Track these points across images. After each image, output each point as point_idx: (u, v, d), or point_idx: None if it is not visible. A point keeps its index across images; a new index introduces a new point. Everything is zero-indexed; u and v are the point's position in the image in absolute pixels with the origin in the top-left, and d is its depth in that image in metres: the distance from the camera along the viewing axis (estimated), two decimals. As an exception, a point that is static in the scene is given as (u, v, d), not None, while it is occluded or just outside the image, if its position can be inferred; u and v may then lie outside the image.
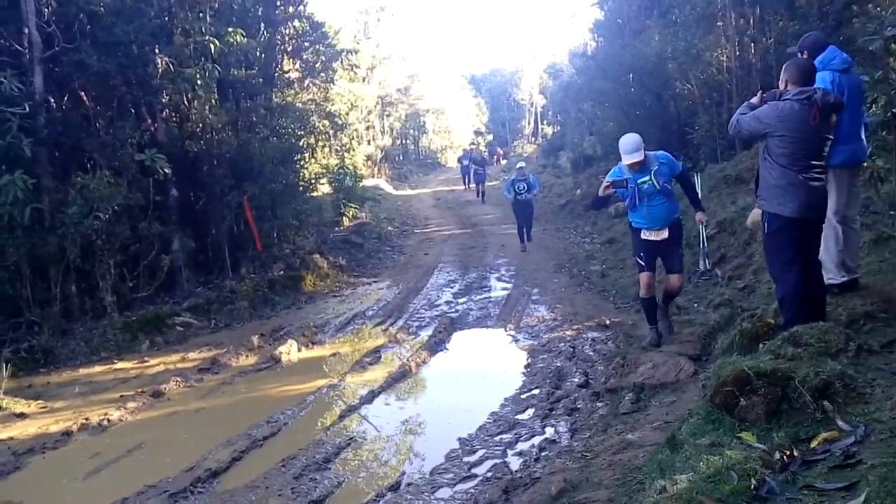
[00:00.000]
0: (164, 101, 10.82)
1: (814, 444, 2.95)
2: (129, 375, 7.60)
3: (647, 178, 5.79)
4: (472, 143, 49.93)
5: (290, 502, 4.28)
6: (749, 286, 6.73)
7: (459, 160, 29.61)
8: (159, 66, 10.38)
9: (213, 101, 11.22)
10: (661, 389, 5.08)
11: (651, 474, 3.28)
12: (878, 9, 9.04)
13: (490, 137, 54.83)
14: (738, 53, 13.24)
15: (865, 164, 5.94)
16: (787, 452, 2.89)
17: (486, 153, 50.34)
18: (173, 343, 8.80)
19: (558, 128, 35.73)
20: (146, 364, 7.99)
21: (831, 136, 4.08)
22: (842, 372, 3.31)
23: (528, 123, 51.35)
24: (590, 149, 23.01)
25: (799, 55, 5.07)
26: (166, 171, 9.96)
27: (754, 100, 4.32)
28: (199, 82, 10.71)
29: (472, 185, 25.15)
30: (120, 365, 8.04)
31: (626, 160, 5.82)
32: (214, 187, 11.27)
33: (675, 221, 5.97)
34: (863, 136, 4.77)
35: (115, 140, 9.62)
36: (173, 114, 11.23)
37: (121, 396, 6.73)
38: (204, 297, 10.25)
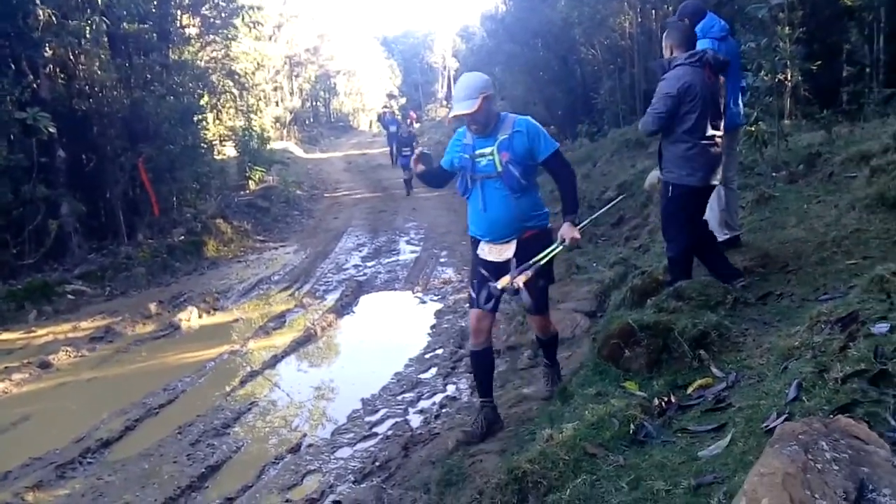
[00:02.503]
0: (46, 55, 10.07)
1: (690, 390, 3.13)
2: (15, 346, 7.17)
3: (488, 150, 3.64)
4: (386, 106, 49.30)
5: (185, 469, 4.19)
6: (644, 245, 7.01)
7: (384, 123, 24.22)
8: (41, 17, 9.63)
9: (102, 56, 10.55)
10: (558, 345, 5.24)
11: (542, 425, 3.39)
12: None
13: (403, 100, 54.29)
14: (639, 20, 13.57)
15: (749, 128, 6.27)
16: (665, 399, 3.05)
17: (399, 116, 49.86)
18: (64, 312, 8.35)
19: (470, 92, 35.62)
20: (34, 334, 7.56)
21: (723, 98, 4.20)
22: (718, 323, 3.51)
23: (441, 87, 51.17)
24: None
25: (679, 22, 5.26)
26: (51, 130, 9.32)
27: None
28: (86, 36, 10.04)
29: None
30: (4, 336, 7.57)
31: (455, 110, 3.70)
32: (106, 148, 10.67)
33: (533, 233, 3.71)
34: (740, 102, 4.98)
35: (-9, 97, 8.91)
36: (58, 70, 10.47)
37: (5, 368, 6.35)
38: (97, 263, 9.76)
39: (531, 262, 3.60)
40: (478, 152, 3.69)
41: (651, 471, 2.48)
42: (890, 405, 2.15)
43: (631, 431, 2.81)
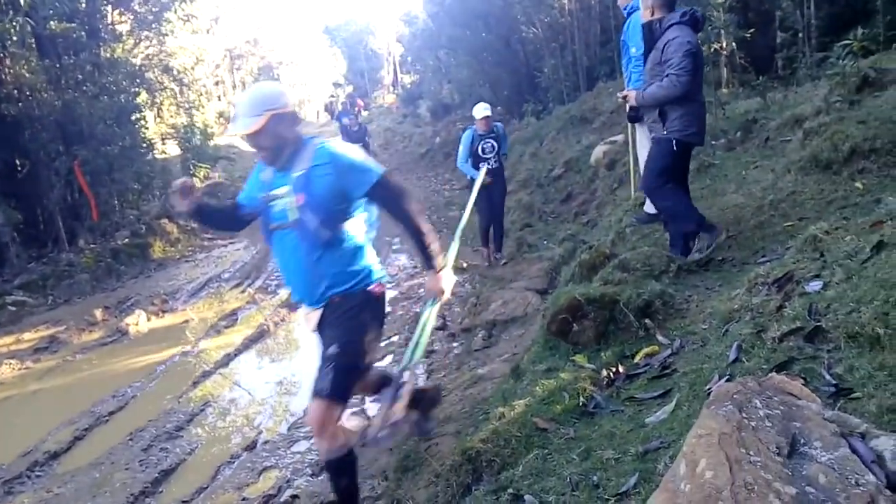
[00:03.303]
0: (-31, 59, 9.66)
1: (637, 359, 3.17)
2: (-46, 363, 6.89)
3: (283, 190, 2.75)
4: (332, 96, 48.66)
5: (137, 475, 4.08)
6: (592, 220, 7.09)
7: (334, 115, 19.56)
8: (-42, 20, 9.21)
9: (29, 58, 10.14)
10: (511, 324, 5.28)
11: (495, 404, 3.40)
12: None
13: (350, 88, 53.63)
14: (578, -3, 13.64)
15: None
16: (614, 369, 3.09)
17: (345, 105, 49.25)
18: (5, 324, 8.05)
19: (417, 77, 35.56)
20: (-27, 350, 7.27)
21: None
22: (662, 291, 3.56)
23: (388, 73, 50.71)
24: (447, 97, 23.15)
25: None
26: (-22, 136, 8.95)
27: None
28: (11, 38, 9.61)
29: None
30: (-57, 352, 7.27)
31: (230, 129, 2.98)
32: (39, 153, 10.29)
33: (340, 296, 2.82)
34: None
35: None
36: (-17, 73, 10.05)
37: (-56, 386, 6.10)
38: (38, 272, 9.43)
39: (412, 357, 3.02)
40: (272, 193, 2.77)
41: (601, 441, 2.51)
42: (825, 360, 2.21)
43: (581, 404, 2.84)
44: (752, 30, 8.53)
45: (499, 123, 7.51)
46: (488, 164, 7.09)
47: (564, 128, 11.44)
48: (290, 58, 42.86)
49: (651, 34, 4.09)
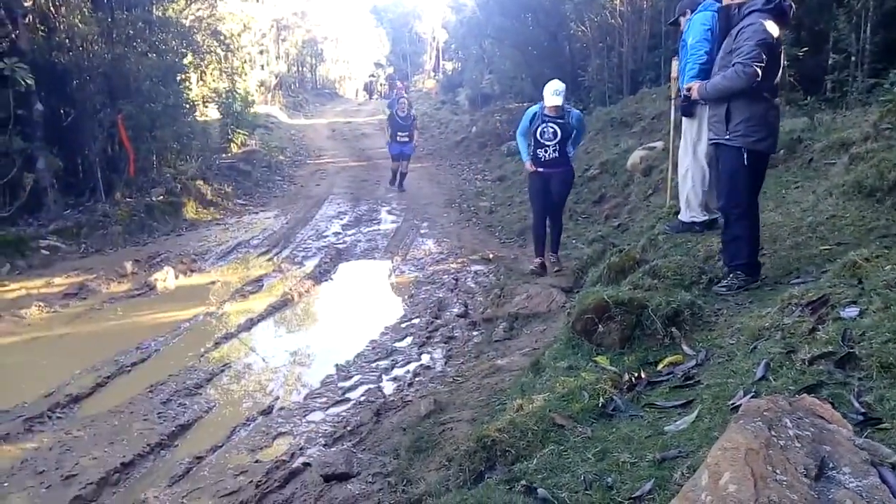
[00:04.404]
0: (26, 5, 9.78)
1: (660, 366, 3.17)
2: (-14, 300, 7.07)
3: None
4: (372, 76, 48.73)
5: (155, 427, 4.17)
6: (623, 224, 7.05)
7: (389, 106, 14.48)
8: (20, -34, 9.34)
9: (84, 9, 10.26)
10: (534, 319, 5.28)
11: (513, 395, 3.42)
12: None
13: (391, 70, 53.64)
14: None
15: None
16: (636, 374, 3.09)
17: (384, 87, 49.32)
18: (37, 267, 8.22)
19: (459, 64, 35.43)
20: (5, 288, 7.42)
21: None
22: (691, 302, 3.54)
23: (430, 58, 50.57)
24: (488, 87, 23.03)
25: (682, 19, 5.24)
26: (29, 82, 9.07)
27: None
28: (68, -12, 9.75)
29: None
30: (-24, 289, 7.46)
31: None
32: (86, 104, 10.41)
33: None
34: None
35: (-34, 44, 8.66)
36: (38, 21, 10.17)
37: (-26, 322, 6.26)
38: (73, 220, 9.58)
39: None
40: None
41: (618, 443, 2.52)
42: (854, 387, 2.19)
43: (600, 405, 2.84)
44: (805, 49, 8.39)
45: (575, 111, 6.57)
46: (545, 152, 6.35)
47: (604, 129, 11.36)
48: (336, 34, 42.85)
49: (728, 21, 3.74)
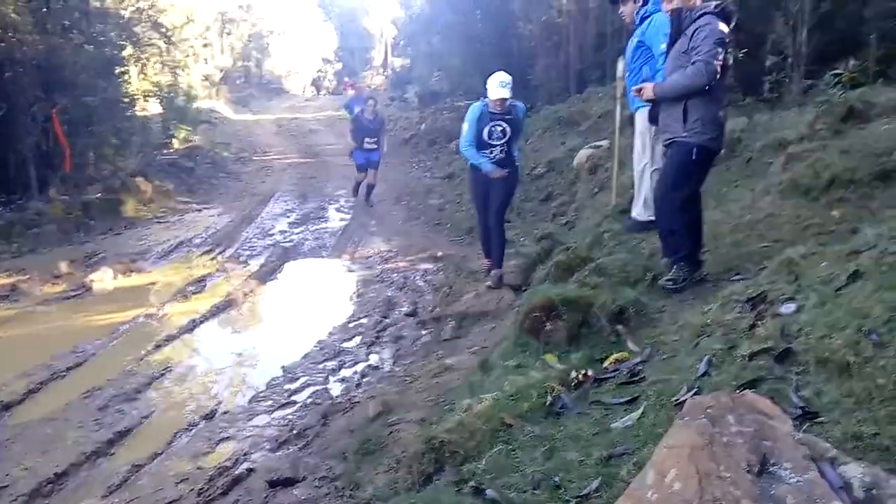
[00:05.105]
0: (-47, -7, 9.33)
1: (606, 363, 3.20)
2: None
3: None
4: (320, 71, 48.12)
5: (91, 434, 4.01)
6: (570, 222, 7.12)
7: (346, 107, 12.84)
8: (-55, -50, 8.88)
9: (17, -2, 9.82)
10: (483, 317, 5.29)
11: (462, 395, 3.41)
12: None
13: (339, 66, 53.12)
14: (577, -2, 13.64)
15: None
16: (583, 372, 3.10)
17: (333, 83, 48.78)
18: (-35, 269, 7.84)
19: (408, 61, 35.31)
20: (-71, 291, 7.06)
21: None
22: (636, 299, 3.59)
23: (379, 54, 50.28)
24: (437, 84, 23.01)
25: (625, 5, 5.30)
26: (-45, 73, 8.66)
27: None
28: (0, -24, 9.31)
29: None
30: None
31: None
32: (18, 97, 9.97)
33: None
34: None
35: None
36: (-33, 10, 9.71)
37: None
38: (5, 218, 9.17)
39: None
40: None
41: (565, 441, 2.52)
42: (793, 382, 2.25)
43: (548, 403, 2.85)
44: (744, 50, 8.61)
45: (519, 104, 5.99)
46: (492, 153, 5.77)
47: (551, 128, 11.46)
48: (282, 28, 42.18)
49: (679, 23, 3.80)
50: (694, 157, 3.77)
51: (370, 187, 11.24)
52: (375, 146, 10.94)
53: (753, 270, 3.81)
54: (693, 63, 3.63)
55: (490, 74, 5.78)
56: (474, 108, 5.79)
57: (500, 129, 5.72)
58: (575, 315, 3.49)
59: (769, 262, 3.55)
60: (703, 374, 2.58)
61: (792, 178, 4.86)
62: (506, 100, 5.61)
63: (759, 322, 2.74)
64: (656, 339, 3.26)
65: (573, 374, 3.09)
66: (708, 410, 1.74)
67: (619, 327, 3.42)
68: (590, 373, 3.08)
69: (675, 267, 3.89)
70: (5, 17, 9.65)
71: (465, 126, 5.82)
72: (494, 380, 3.36)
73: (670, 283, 3.85)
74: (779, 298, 2.85)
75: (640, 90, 4.10)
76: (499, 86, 5.58)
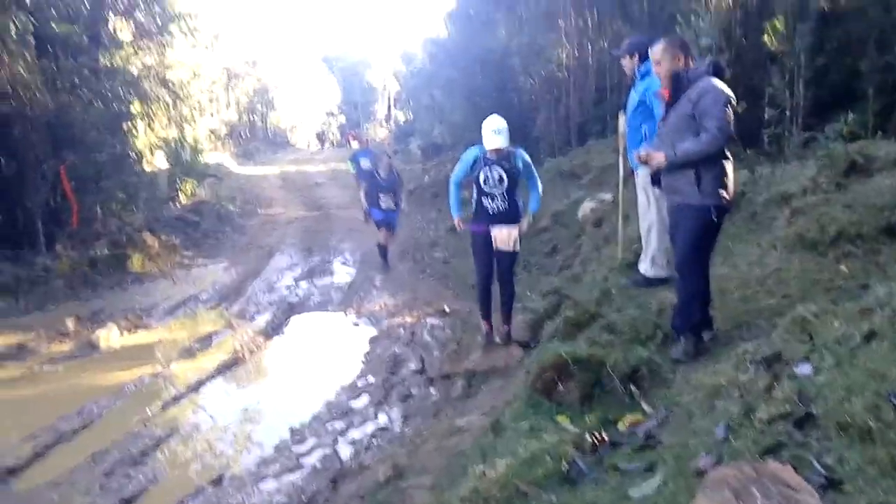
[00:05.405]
0: (-34, 52, 9.57)
1: (621, 426, 3.16)
2: (-86, 363, 6.67)
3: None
4: (324, 124, 48.84)
5: (97, 500, 3.95)
6: (576, 276, 7.11)
7: (355, 160, 12.52)
8: (-40, 13, 9.16)
9: (27, 56, 10.07)
10: (492, 375, 5.24)
11: (474, 459, 3.36)
12: (700, 20, 9.93)
13: (342, 119, 54.01)
14: (576, 54, 13.94)
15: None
16: (597, 435, 3.07)
17: (336, 135, 49.41)
18: (-29, 327, 7.84)
19: (410, 114, 35.89)
20: (-65, 351, 7.05)
21: None
22: (649, 358, 3.58)
23: (381, 107, 51.16)
24: (439, 137, 23.36)
25: (627, 57, 5.40)
26: (-34, 132, 8.82)
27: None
28: (11, 35, 9.57)
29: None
30: None
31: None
32: (28, 153, 10.15)
33: None
34: None
35: None
36: (-22, 69, 9.94)
37: None
38: (11, 274, 9.21)
39: None
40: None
41: (583, 510, 2.48)
42: (814, 448, 2.22)
43: (564, 469, 2.81)
44: (741, 103, 8.75)
45: (520, 150, 5.62)
46: (492, 202, 5.48)
47: (553, 180, 11.55)
48: (287, 82, 43.11)
49: (677, 84, 3.77)
50: (713, 219, 3.71)
51: (383, 248, 10.34)
52: (393, 204, 10.16)
53: (765, 327, 3.80)
54: (706, 129, 3.59)
55: (487, 121, 5.58)
56: (470, 151, 5.64)
57: (496, 174, 5.44)
58: (587, 375, 3.47)
59: (780, 320, 3.54)
60: (722, 439, 2.55)
61: (798, 232, 4.89)
62: (500, 150, 5.40)
63: (776, 384, 2.72)
64: (671, 399, 3.24)
65: (588, 437, 3.06)
66: (731, 482, 1.72)
67: (633, 387, 3.40)
68: (605, 436, 3.04)
69: (682, 339, 3.80)
70: (16, 76, 9.88)
71: (458, 166, 5.71)
72: (507, 443, 3.32)
73: (681, 355, 3.74)
74: (794, 359, 2.84)
75: (648, 157, 3.91)
76: (493, 133, 5.36)
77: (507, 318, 5.76)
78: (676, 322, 3.86)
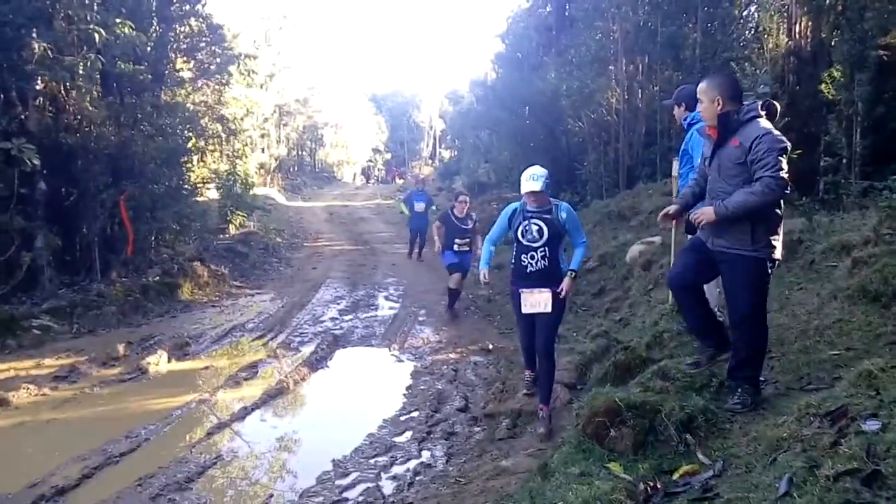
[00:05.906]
0: (38, 88, 10.03)
1: (675, 476, 3.07)
2: (-28, 381, 6.88)
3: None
4: (370, 161, 49.72)
5: (143, 525, 3.98)
6: (625, 319, 7.02)
7: (408, 200, 14.32)
8: (35, 50, 9.62)
9: (94, 93, 10.53)
10: (538, 416, 5.16)
11: (522, 502, 3.29)
12: (754, 68, 9.88)
13: (388, 156, 54.96)
14: (626, 97, 13.96)
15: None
16: (651, 484, 2.98)
17: (381, 171, 50.14)
18: (28, 347, 8.06)
19: (455, 153, 36.29)
20: (-6, 369, 7.27)
21: None
22: (705, 407, 3.48)
23: (427, 146, 51.92)
24: (484, 175, 23.54)
25: (676, 108, 5.38)
26: (35, 162, 9.18)
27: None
28: (80, 72, 10.03)
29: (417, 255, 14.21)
30: (-38, 369, 7.27)
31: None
32: (89, 184, 10.53)
33: None
34: None
35: (-24, 125, 8.83)
36: (48, 103, 10.41)
37: (-41, 403, 6.07)
38: (67, 299, 9.48)
39: None
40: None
41: (639, 562, 2.40)
42: (885, 509, 2.12)
43: (617, 517, 2.74)
44: (798, 151, 8.63)
45: (563, 203, 5.23)
46: (531, 259, 5.05)
47: (601, 222, 11.51)
48: (336, 120, 44.08)
49: (727, 125, 3.59)
50: (769, 272, 3.62)
51: (454, 293, 9.70)
52: (468, 248, 9.62)
53: (826, 380, 3.68)
54: (759, 179, 3.41)
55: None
56: (510, 206, 5.36)
57: (535, 227, 5.03)
58: (641, 422, 3.39)
59: (844, 372, 3.43)
60: (785, 494, 2.46)
61: (860, 283, 4.74)
62: (537, 193, 4.98)
63: (842, 439, 2.62)
64: (728, 451, 3.14)
65: (641, 486, 2.97)
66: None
67: (688, 437, 3.30)
68: (659, 486, 2.96)
69: (739, 389, 3.66)
70: (83, 110, 10.33)
71: (495, 224, 5.44)
72: (556, 488, 3.25)
73: (738, 406, 3.59)
74: (861, 414, 2.74)
75: (700, 218, 3.67)
76: (529, 179, 4.97)
77: (546, 398, 5.09)
78: (734, 372, 3.73)
